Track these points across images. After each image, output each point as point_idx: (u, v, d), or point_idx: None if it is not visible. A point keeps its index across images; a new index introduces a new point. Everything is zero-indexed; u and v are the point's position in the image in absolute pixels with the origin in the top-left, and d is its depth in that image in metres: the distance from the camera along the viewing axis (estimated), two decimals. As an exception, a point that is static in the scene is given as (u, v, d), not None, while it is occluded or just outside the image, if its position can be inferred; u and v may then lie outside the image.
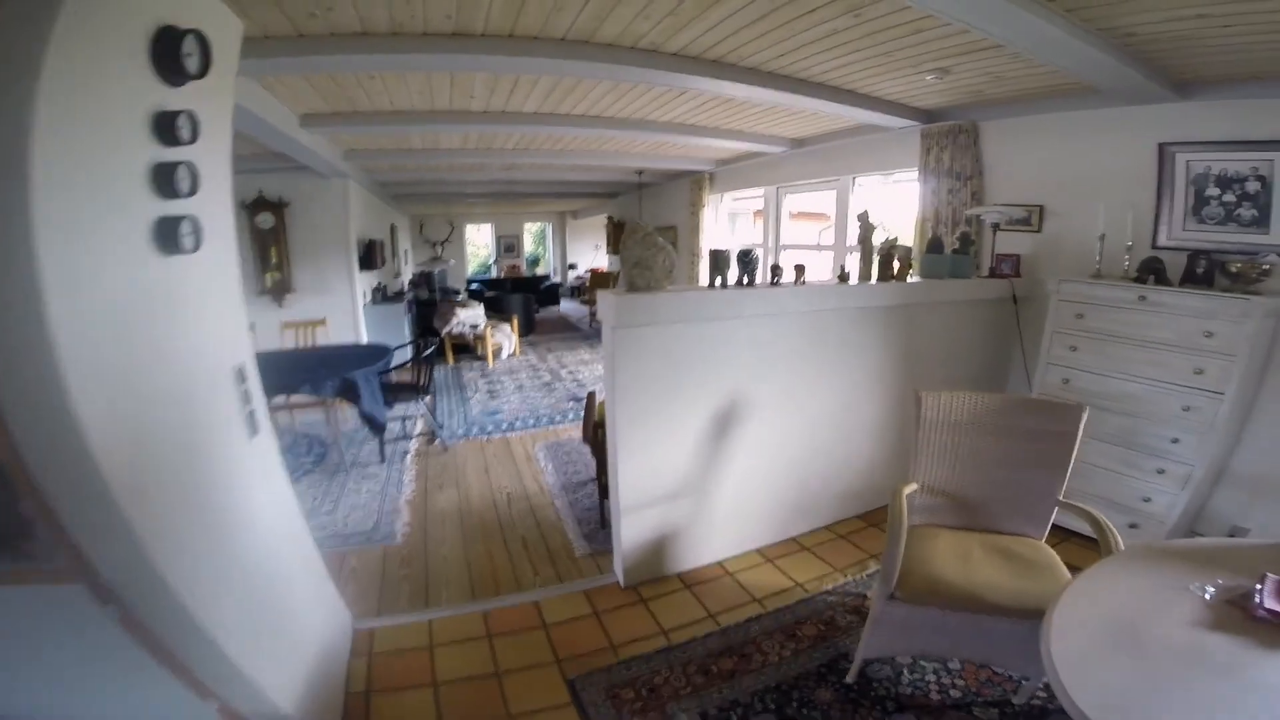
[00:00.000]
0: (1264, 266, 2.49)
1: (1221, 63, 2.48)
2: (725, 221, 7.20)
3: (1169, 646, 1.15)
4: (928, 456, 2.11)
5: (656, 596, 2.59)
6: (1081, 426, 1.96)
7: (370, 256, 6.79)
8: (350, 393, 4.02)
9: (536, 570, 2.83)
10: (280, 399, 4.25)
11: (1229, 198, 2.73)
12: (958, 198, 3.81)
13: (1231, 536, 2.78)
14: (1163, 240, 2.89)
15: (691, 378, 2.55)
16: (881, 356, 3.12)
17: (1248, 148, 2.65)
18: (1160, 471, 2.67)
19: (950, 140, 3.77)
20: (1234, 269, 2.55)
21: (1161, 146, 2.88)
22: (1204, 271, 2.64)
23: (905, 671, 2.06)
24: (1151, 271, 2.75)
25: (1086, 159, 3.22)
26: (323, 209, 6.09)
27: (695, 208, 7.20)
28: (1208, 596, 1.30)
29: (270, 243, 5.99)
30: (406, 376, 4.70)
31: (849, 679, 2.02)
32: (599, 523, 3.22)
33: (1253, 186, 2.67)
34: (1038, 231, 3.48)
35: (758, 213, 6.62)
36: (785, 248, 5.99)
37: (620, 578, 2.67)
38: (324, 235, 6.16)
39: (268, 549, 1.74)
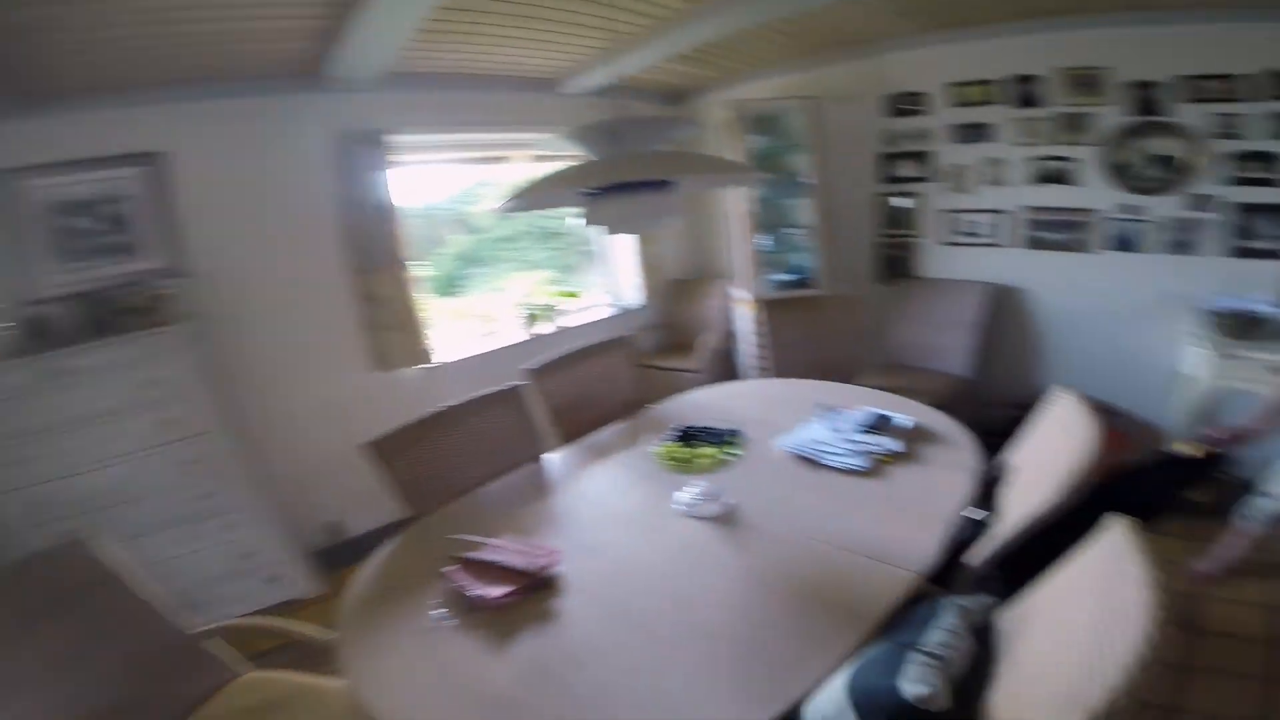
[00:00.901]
0: (156, 293, 2.28)
1: (80, 68, 2.09)
2: None
3: (513, 682, 1.08)
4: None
5: None
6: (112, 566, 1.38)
7: None
8: None
9: None
10: None
11: (95, 225, 2.37)
12: None
13: (336, 533, 2.88)
14: (44, 293, 2.27)
15: None
16: None
17: (99, 166, 2.32)
18: (228, 527, 2.35)
19: None
20: (133, 305, 2.24)
21: None
22: (105, 317, 2.22)
23: None
24: (41, 335, 2.11)
25: None
26: None
27: None
28: (449, 622, 1.24)
29: None
30: None
31: None
32: None
33: (113, 210, 2.38)
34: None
35: None
36: None
37: None
38: None
39: None
